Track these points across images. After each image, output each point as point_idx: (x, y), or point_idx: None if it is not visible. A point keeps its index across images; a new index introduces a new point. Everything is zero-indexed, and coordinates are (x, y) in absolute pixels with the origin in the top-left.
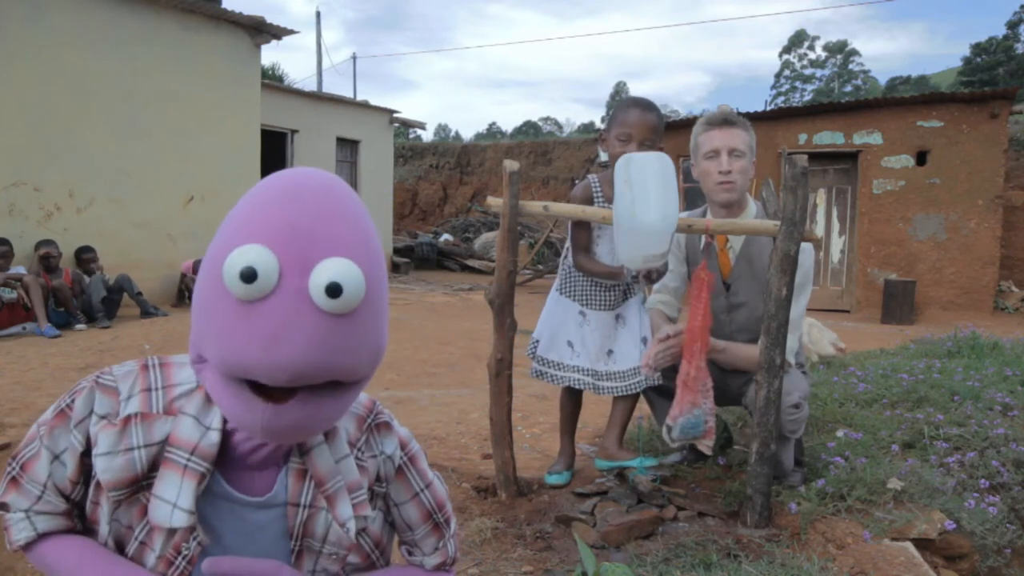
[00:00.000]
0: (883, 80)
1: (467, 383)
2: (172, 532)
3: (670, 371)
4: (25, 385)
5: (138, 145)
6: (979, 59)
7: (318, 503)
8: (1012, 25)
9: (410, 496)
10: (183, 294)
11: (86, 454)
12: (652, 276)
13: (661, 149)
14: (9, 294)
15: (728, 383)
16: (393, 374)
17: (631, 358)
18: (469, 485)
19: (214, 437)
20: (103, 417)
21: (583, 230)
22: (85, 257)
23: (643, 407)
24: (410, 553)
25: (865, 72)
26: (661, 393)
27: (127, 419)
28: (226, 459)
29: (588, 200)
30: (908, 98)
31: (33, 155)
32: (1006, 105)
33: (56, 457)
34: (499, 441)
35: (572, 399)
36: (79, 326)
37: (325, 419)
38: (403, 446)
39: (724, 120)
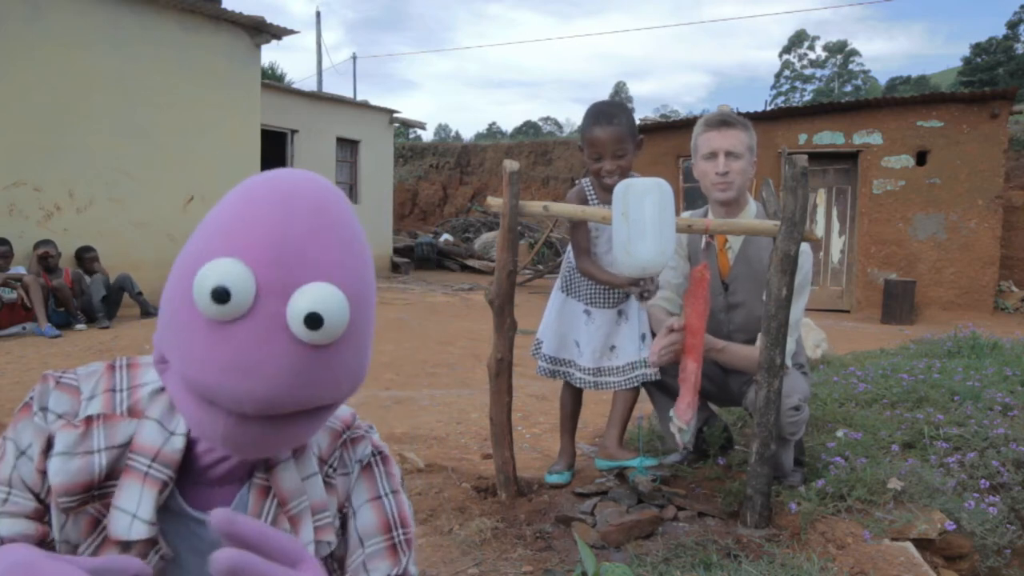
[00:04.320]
0: (883, 80)
1: (467, 383)
2: (128, 548)
3: (669, 366)
4: (25, 385)
5: (138, 145)
6: (979, 59)
7: (280, 524)
8: (1012, 25)
9: (371, 497)
10: None
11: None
12: (644, 295)
13: (640, 144)
14: (9, 294)
15: (728, 384)
16: (393, 374)
17: (630, 353)
18: (469, 485)
19: (178, 443)
20: (60, 416)
21: (581, 232)
22: (87, 257)
23: (641, 406)
24: None
25: (865, 72)
26: (662, 389)
27: (89, 420)
28: (188, 472)
29: (583, 203)
30: (908, 98)
31: (33, 155)
32: (1006, 105)
33: (22, 452)
34: (499, 441)
35: (573, 398)
36: (79, 326)
37: (293, 438)
38: (377, 450)
39: (721, 121)
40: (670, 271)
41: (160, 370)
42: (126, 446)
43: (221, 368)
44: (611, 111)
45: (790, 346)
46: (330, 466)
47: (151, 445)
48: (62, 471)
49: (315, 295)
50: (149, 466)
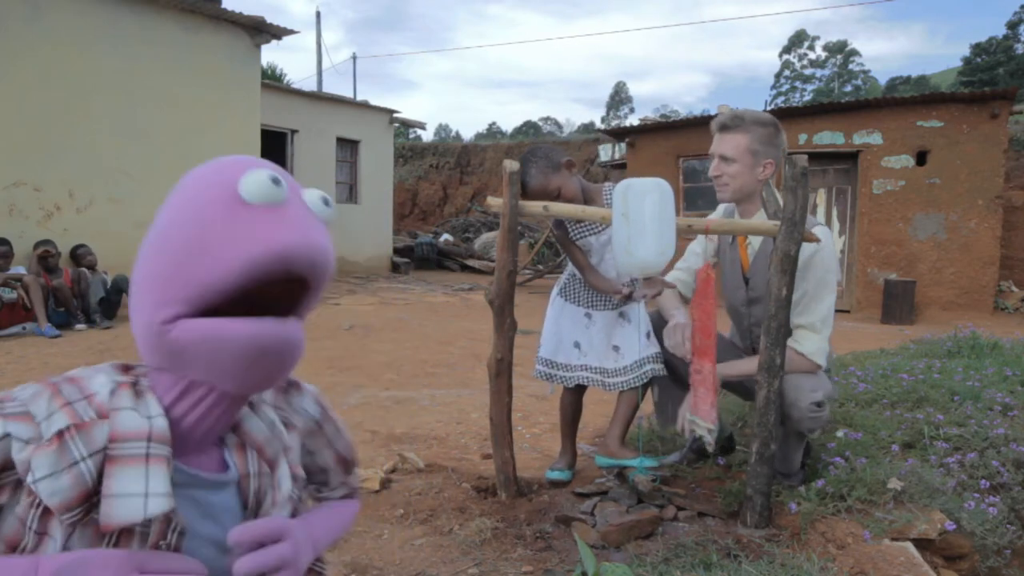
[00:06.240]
0: (883, 80)
1: (467, 383)
2: (146, 533)
3: (674, 359)
4: None
5: (138, 145)
6: (979, 59)
7: (263, 470)
8: (1012, 25)
9: (326, 444)
10: None
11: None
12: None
13: (568, 165)
14: (9, 294)
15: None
16: (393, 374)
17: (635, 352)
18: (469, 485)
19: (163, 423)
20: (27, 442)
21: (575, 251)
22: (80, 252)
23: (642, 407)
24: (318, 490)
25: (865, 72)
26: (668, 380)
27: (60, 434)
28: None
29: (560, 226)
30: (908, 98)
31: (33, 155)
32: (1006, 105)
33: None
34: (499, 441)
35: (573, 402)
36: (79, 326)
37: (302, 338)
38: (318, 401)
39: (721, 125)
40: (694, 256)
41: (168, 326)
42: (106, 447)
43: (298, 230)
44: (522, 172)
45: (822, 346)
46: (281, 409)
47: (137, 430)
48: (56, 491)
49: (316, 192)
50: (147, 447)
